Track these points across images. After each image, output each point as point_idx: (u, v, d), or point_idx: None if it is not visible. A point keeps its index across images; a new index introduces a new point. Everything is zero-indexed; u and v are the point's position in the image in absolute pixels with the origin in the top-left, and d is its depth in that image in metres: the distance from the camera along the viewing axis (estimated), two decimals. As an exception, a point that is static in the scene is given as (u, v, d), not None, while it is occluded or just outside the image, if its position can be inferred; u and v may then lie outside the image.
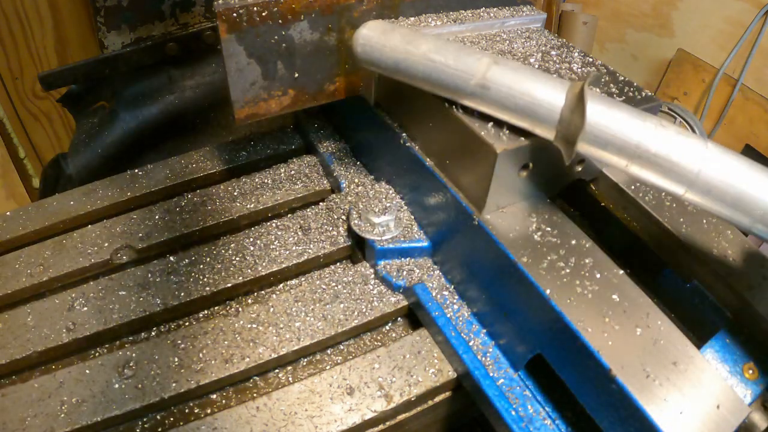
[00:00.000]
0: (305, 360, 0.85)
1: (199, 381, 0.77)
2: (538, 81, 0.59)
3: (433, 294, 0.85)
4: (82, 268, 0.94)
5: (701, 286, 0.77)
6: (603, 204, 0.88)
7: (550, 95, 0.59)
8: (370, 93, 0.94)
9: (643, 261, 0.89)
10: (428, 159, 0.84)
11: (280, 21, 0.81)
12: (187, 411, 0.78)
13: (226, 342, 0.81)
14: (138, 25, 1.45)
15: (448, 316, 0.82)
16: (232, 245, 0.96)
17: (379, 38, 0.65)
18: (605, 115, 0.56)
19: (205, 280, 0.90)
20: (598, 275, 0.68)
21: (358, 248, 0.96)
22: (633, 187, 0.84)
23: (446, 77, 0.65)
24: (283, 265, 0.93)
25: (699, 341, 0.76)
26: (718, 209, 0.57)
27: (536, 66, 0.87)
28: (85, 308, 0.87)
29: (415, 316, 0.88)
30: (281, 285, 0.97)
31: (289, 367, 0.84)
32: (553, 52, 0.92)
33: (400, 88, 0.86)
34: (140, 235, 0.98)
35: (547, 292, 0.66)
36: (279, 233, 0.98)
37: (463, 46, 0.64)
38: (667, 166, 0.55)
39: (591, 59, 0.92)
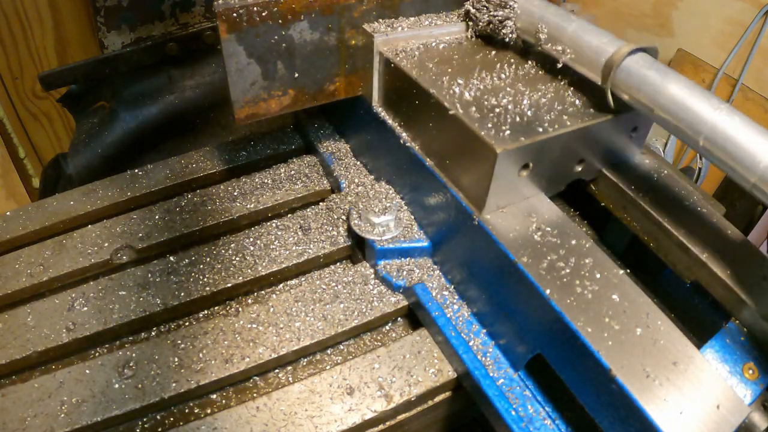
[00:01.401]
0: (305, 360, 0.85)
1: (199, 381, 0.77)
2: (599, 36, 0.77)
3: (433, 294, 0.85)
4: (82, 268, 0.94)
5: (701, 286, 0.77)
6: (603, 204, 0.88)
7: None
8: (370, 93, 0.94)
9: (643, 261, 0.89)
10: (428, 159, 0.84)
11: (280, 21, 0.81)
12: (187, 411, 0.78)
13: (226, 342, 0.81)
14: (138, 25, 1.45)
15: (448, 316, 0.82)
16: (232, 245, 0.96)
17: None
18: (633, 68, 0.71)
19: (205, 280, 0.90)
20: (598, 275, 0.68)
21: (358, 248, 0.96)
22: (633, 187, 0.84)
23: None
24: (283, 265, 0.93)
25: (699, 341, 0.76)
26: (720, 157, 0.63)
27: (535, 65, 0.88)
28: (85, 308, 0.87)
29: (415, 316, 0.88)
30: (281, 285, 0.97)
31: (289, 367, 0.84)
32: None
33: (401, 88, 0.86)
34: (140, 235, 0.98)
35: (547, 292, 0.66)
36: (279, 233, 0.98)
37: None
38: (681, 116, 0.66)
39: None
